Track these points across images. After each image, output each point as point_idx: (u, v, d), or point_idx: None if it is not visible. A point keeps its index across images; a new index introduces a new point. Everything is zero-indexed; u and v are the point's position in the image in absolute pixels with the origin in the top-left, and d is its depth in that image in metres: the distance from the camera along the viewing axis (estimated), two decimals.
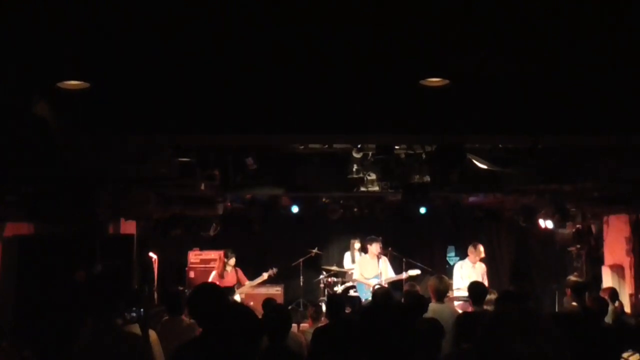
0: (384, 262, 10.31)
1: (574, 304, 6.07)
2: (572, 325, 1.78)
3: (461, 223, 12.10)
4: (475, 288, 6.47)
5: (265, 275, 10.62)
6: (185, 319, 5.79)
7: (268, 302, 7.83)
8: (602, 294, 7.63)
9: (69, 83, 3.99)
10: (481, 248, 9.86)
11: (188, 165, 6.92)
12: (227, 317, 2.66)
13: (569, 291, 6.90)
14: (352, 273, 11.08)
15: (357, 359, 4.21)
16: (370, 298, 9.36)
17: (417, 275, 10.33)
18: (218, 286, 4.63)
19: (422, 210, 10.61)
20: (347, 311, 7.25)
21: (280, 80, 4.30)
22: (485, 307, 6.28)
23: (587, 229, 10.62)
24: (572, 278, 6.41)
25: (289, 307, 11.11)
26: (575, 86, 4.46)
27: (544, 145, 5.96)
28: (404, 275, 10.20)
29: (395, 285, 9.98)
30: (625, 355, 4.77)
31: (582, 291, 6.34)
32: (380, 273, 10.05)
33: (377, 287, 8.23)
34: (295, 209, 10.90)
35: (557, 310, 10.12)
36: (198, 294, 4.18)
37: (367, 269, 10.21)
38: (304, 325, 8.74)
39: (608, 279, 9.91)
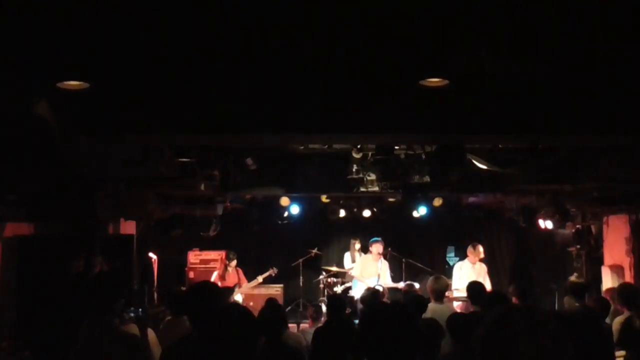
0: (384, 265, 10.30)
1: (576, 304, 6.07)
2: (572, 325, 1.78)
3: (461, 223, 12.11)
4: (473, 288, 6.48)
5: (260, 279, 10.66)
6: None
7: (266, 301, 7.84)
8: (604, 295, 7.63)
9: (69, 83, 3.99)
10: (480, 249, 9.84)
11: (188, 165, 6.92)
12: (220, 317, 2.66)
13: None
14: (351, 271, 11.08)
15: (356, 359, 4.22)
16: None
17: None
18: (214, 284, 4.60)
19: (422, 210, 10.61)
20: (347, 311, 7.25)
21: (280, 80, 4.30)
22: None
23: (587, 229, 10.61)
24: (572, 279, 6.41)
25: (289, 307, 11.14)
26: (575, 86, 4.46)
27: (544, 145, 5.96)
28: (401, 285, 10.11)
29: (395, 290, 9.97)
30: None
31: (582, 292, 6.34)
32: (379, 275, 10.04)
33: (367, 289, 8.22)
34: (295, 209, 10.90)
35: (556, 310, 10.11)
36: (194, 293, 4.17)
37: (368, 269, 10.21)
38: (304, 326, 8.74)
39: (608, 279, 9.91)
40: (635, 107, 4.65)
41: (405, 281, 10.06)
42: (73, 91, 4.07)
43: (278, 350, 4.15)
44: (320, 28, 3.41)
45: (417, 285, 10.05)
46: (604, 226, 10.37)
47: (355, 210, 11.78)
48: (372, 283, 9.75)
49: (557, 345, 1.67)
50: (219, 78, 4.29)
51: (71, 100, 4.30)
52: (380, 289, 8.81)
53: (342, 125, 5.07)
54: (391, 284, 10.18)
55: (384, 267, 10.23)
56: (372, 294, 6.89)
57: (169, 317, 5.98)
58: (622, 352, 4.77)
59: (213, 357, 2.58)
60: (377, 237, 10.35)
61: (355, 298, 9.73)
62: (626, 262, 9.74)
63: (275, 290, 11.21)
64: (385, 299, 8.39)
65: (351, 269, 11.30)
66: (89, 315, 3.85)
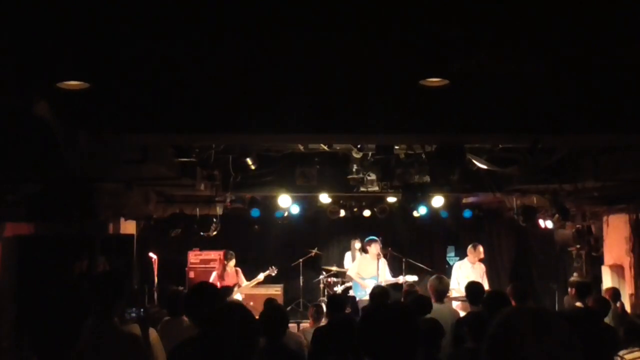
0: (383, 263, 10.28)
1: (578, 304, 6.07)
2: (574, 325, 1.78)
3: (461, 223, 12.12)
4: (472, 288, 6.48)
5: (261, 277, 10.65)
6: (186, 319, 5.77)
7: (267, 302, 7.85)
8: (604, 294, 7.64)
9: (69, 83, 3.99)
10: (481, 249, 9.86)
11: (188, 165, 6.92)
12: (223, 317, 2.66)
13: (573, 291, 6.87)
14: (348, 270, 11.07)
15: (357, 359, 4.22)
16: (365, 297, 9.37)
17: (414, 282, 10.30)
18: (214, 285, 4.60)
19: (422, 210, 10.60)
20: (347, 311, 7.25)
21: (280, 80, 4.30)
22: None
23: (587, 228, 10.62)
24: (574, 278, 6.42)
25: (289, 307, 11.14)
26: (575, 85, 4.45)
27: (544, 145, 5.96)
28: (401, 280, 10.15)
29: (395, 286, 9.98)
30: (625, 354, 4.77)
31: (586, 291, 6.35)
32: (378, 274, 10.03)
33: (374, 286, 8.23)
34: (295, 209, 10.90)
35: (557, 310, 10.11)
36: (195, 294, 4.18)
37: (366, 269, 10.19)
38: (305, 325, 8.74)
39: (608, 279, 9.91)
40: (635, 107, 4.65)
41: (405, 280, 10.06)
42: (73, 91, 4.07)
43: (278, 351, 4.14)
44: (320, 27, 3.41)
45: (415, 278, 10.13)
46: (604, 226, 10.37)
47: (355, 210, 11.79)
48: (371, 282, 9.75)
49: (564, 347, 1.67)
50: (220, 78, 4.28)
51: (71, 100, 4.30)
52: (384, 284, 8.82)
53: (342, 125, 5.06)
54: (391, 280, 10.19)
55: (383, 266, 10.22)
56: (382, 292, 6.88)
57: (167, 317, 5.97)
58: (625, 351, 4.78)
59: (215, 356, 2.58)
60: (374, 236, 10.34)
61: (357, 298, 9.73)
62: (626, 261, 9.73)
63: (275, 290, 11.21)
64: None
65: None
66: (90, 315, 3.85)
